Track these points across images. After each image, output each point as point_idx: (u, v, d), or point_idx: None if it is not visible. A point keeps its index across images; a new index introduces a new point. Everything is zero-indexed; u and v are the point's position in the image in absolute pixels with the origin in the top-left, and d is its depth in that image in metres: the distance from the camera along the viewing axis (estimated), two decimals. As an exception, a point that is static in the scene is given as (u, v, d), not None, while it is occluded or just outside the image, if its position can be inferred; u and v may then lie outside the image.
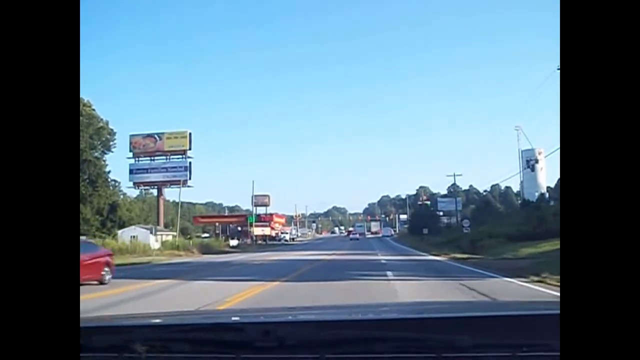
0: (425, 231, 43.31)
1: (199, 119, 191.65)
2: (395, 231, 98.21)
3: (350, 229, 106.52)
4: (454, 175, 61.31)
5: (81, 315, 1.25)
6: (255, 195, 65.66)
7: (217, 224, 67.17)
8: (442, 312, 1.87)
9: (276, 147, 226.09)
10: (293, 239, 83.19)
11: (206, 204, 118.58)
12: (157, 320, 1.73)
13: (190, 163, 52.40)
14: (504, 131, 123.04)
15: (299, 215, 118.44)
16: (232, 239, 58.45)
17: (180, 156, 52.52)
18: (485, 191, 69.98)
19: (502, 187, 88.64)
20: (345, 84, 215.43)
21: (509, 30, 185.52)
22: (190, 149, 52.57)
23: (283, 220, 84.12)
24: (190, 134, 52.92)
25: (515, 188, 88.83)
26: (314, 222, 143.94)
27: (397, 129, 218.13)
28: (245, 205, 69.35)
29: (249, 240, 61.41)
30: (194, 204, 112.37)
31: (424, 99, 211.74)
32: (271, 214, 72.01)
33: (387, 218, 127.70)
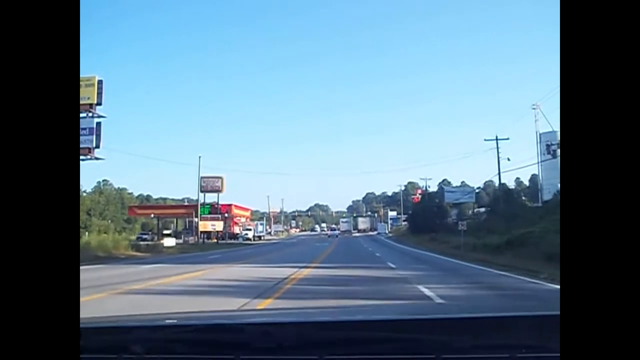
0: (463, 227, 26.79)
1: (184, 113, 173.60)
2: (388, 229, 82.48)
3: (333, 226, 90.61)
4: (496, 139, 37.40)
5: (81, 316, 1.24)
6: (204, 177, 47.83)
7: (152, 215, 49.82)
8: (441, 312, 1.86)
9: (258, 144, 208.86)
10: (260, 237, 66.30)
11: (182, 199, 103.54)
12: (157, 321, 1.71)
13: (99, 124, 34.58)
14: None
15: (274, 211, 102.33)
16: (170, 236, 41.61)
17: (84, 113, 34.64)
18: (478, 187, 58.87)
19: (496, 184, 74.80)
20: (328, 82, 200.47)
21: (501, 25, 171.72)
22: (99, 103, 34.77)
23: (248, 214, 66.87)
24: (100, 81, 35.17)
25: (510, 185, 76.54)
26: (294, 219, 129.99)
27: (386, 125, 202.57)
28: (223, 200, 53.59)
29: (192, 239, 44.35)
30: (165, 199, 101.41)
31: (413, 96, 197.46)
32: (229, 204, 54.51)
33: (376, 215, 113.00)
